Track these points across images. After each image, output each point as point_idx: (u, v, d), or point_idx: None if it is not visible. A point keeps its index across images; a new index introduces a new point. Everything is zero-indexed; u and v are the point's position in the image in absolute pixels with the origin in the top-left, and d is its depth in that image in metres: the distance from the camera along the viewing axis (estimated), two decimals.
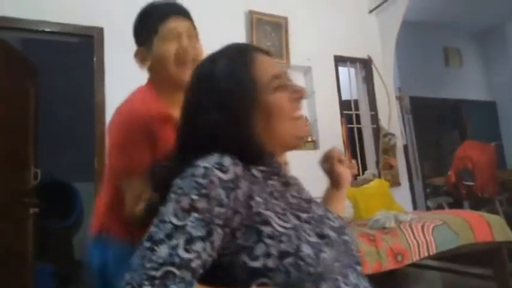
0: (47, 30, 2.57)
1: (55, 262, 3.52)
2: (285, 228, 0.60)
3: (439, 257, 2.26)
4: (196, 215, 0.56)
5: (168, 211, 0.57)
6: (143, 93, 1.10)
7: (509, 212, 3.55)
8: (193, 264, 0.53)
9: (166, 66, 1.07)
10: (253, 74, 0.71)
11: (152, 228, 0.57)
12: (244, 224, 0.59)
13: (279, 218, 0.61)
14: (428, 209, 3.98)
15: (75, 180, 3.88)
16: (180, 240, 0.54)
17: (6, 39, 2.63)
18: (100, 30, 2.67)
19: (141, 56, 1.15)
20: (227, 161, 0.62)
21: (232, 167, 0.62)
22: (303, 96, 0.76)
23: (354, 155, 3.60)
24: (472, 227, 2.25)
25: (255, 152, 0.69)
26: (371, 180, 3.20)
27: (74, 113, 3.73)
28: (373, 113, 3.77)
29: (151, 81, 1.14)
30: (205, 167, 0.60)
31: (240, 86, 0.70)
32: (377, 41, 3.89)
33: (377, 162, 3.64)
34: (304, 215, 0.65)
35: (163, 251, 0.53)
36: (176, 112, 1.02)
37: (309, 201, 0.73)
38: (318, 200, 0.81)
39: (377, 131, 3.70)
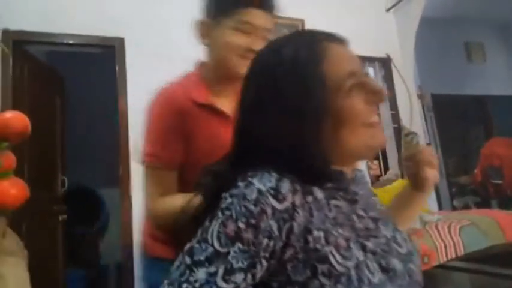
0: (70, 42, 2.66)
1: (83, 267, 3.62)
2: (346, 267, 0.52)
3: (468, 258, 2.20)
4: (240, 245, 0.51)
5: (213, 232, 0.53)
6: (188, 79, 1.03)
7: None
8: None
9: (229, 56, 0.96)
10: (324, 71, 0.59)
11: (195, 244, 0.54)
12: (297, 257, 0.53)
13: (340, 254, 0.53)
14: (454, 208, 3.88)
15: (101, 186, 3.98)
16: (220, 269, 0.51)
17: (33, 52, 2.74)
18: (121, 41, 2.74)
19: (204, 30, 1.03)
20: (285, 187, 0.55)
21: (290, 195, 0.54)
22: (382, 99, 0.64)
23: (375, 156, 3.55)
24: (502, 227, 2.18)
25: (321, 169, 0.59)
26: (394, 181, 3.15)
27: (99, 121, 3.84)
28: (393, 112, 3.71)
29: (203, 66, 1.06)
30: (259, 191, 0.54)
31: (308, 85, 0.59)
32: (395, 39, 3.84)
33: (399, 162, 3.58)
34: (370, 244, 0.57)
35: (201, 275, 0.51)
36: (226, 105, 0.97)
37: (377, 220, 0.64)
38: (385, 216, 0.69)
39: (398, 130, 3.64)
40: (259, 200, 0.53)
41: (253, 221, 0.52)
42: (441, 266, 2.22)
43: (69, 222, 3.45)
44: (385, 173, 3.32)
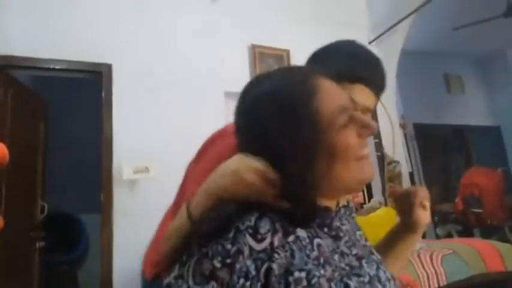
0: (57, 67, 2.67)
1: None
2: None
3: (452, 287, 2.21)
4: (214, 284, 0.50)
5: (189, 269, 0.53)
6: None
7: None
8: None
9: None
10: (316, 108, 0.58)
11: (172, 279, 0.54)
12: None
13: None
14: (437, 237, 3.91)
15: (82, 212, 3.90)
16: None
17: (18, 77, 2.73)
18: (109, 67, 2.76)
19: None
20: (264, 226, 0.53)
21: (269, 235, 0.52)
22: (373, 132, 0.63)
23: None
24: (482, 256, 2.21)
25: (309, 210, 0.58)
26: (377, 208, 3.17)
27: (82, 146, 3.80)
28: (377, 140, 3.79)
29: None
30: (236, 229, 0.53)
31: (300, 124, 0.57)
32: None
33: (383, 190, 3.62)
34: (353, 283, 0.56)
35: None
36: None
37: (360, 257, 0.63)
38: (371, 254, 0.68)
39: (382, 158, 3.71)
40: (236, 239, 0.52)
41: (228, 261, 0.50)
42: None
43: (48, 249, 3.35)
44: (369, 201, 3.35)
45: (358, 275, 0.59)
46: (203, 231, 0.56)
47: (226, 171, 0.61)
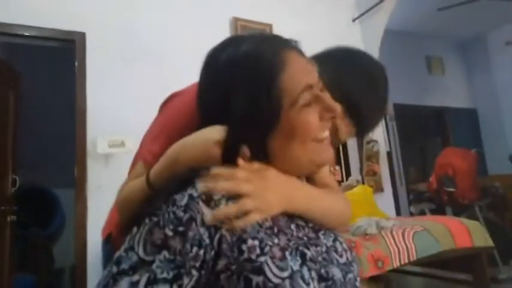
0: (26, 34, 2.53)
1: (36, 272, 3.44)
2: (280, 278, 0.50)
3: (421, 263, 2.28)
4: (166, 254, 0.48)
5: (139, 239, 0.50)
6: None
7: (489, 217, 3.61)
8: None
9: None
10: (283, 82, 0.56)
11: (122, 252, 0.51)
12: (230, 269, 0.50)
13: (275, 264, 0.50)
14: (411, 215, 4.02)
15: (57, 186, 3.81)
16: (143, 278, 0.47)
17: None
18: (82, 35, 2.64)
19: None
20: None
21: (223, 202, 0.51)
22: (336, 116, 0.62)
23: (337, 162, 3.62)
24: (452, 233, 2.27)
25: None
26: (354, 187, 3.22)
27: (56, 119, 3.68)
28: None
29: None
30: (190, 196, 0.51)
31: (264, 95, 0.56)
32: (361, 49, 3.95)
33: (361, 169, 3.68)
34: (309, 252, 0.56)
35: (123, 284, 0.48)
36: None
37: (317, 230, 0.63)
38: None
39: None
40: (189, 206, 0.50)
41: (181, 228, 0.49)
42: (395, 270, 2.28)
43: (22, 224, 3.28)
44: (347, 179, 3.39)
45: (316, 245, 0.59)
46: (157, 198, 0.55)
47: (194, 143, 0.60)
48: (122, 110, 2.64)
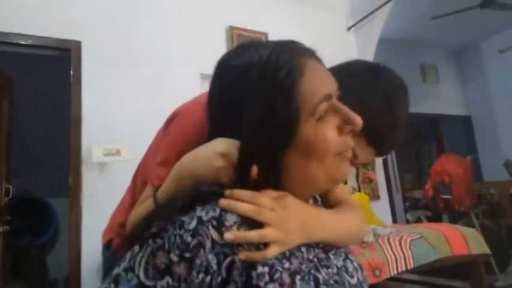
0: (21, 42, 2.53)
1: (28, 283, 3.39)
2: None
3: (418, 270, 2.27)
4: (170, 280, 0.45)
5: (141, 261, 0.47)
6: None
7: (485, 224, 3.61)
8: None
9: None
10: (301, 91, 0.51)
11: (121, 271, 0.48)
12: None
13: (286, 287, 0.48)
14: (407, 222, 4.02)
15: (52, 196, 3.78)
16: None
17: None
18: (77, 44, 2.64)
19: None
20: (231, 218, 0.48)
21: (234, 229, 0.48)
22: (357, 129, 0.55)
23: None
24: (449, 240, 2.27)
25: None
26: (351, 194, 3.22)
27: (50, 127, 3.65)
28: None
29: None
30: (199, 220, 0.47)
31: (279, 105, 0.50)
32: (355, 57, 3.96)
33: (357, 176, 3.68)
34: (321, 275, 0.53)
35: None
36: None
37: (327, 250, 0.60)
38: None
39: None
40: (197, 231, 0.47)
41: (187, 255, 0.46)
42: (392, 278, 2.27)
43: (16, 234, 3.23)
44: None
45: (327, 267, 0.56)
46: (161, 215, 0.51)
47: (199, 155, 0.58)
48: (117, 119, 2.63)
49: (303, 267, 0.52)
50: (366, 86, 0.74)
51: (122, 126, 2.62)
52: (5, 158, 2.71)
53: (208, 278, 0.45)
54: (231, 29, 3.26)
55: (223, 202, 0.49)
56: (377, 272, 1.96)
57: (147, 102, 2.75)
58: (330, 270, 0.56)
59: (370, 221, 2.71)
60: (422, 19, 4.59)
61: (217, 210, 0.48)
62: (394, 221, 3.82)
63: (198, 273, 0.45)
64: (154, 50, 2.90)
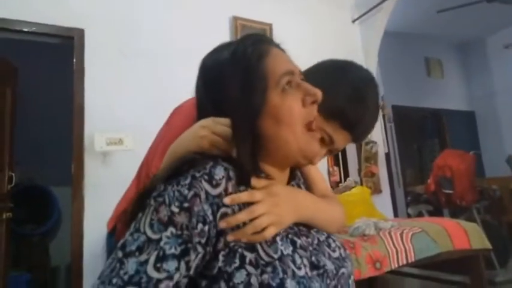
0: (25, 30, 2.51)
1: (31, 270, 3.41)
2: (271, 257, 0.54)
3: (419, 264, 2.28)
4: (173, 230, 0.49)
5: (145, 220, 0.51)
6: None
7: (486, 220, 3.61)
8: (162, 285, 0.47)
9: None
10: (266, 65, 0.61)
11: (128, 236, 0.51)
12: (228, 245, 0.53)
13: (266, 245, 0.55)
14: (409, 216, 4.02)
15: (54, 184, 3.79)
16: (151, 257, 0.48)
17: None
18: (81, 32, 2.62)
19: None
20: (219, 173, 0.55)
21: (223, 182, 0.55)
22: (318, 100, 0.64)
23: (336, 163, 3.61)
24: (450, 235, 2.27)
25: (251, 170, 0.59)
26: (353, 188, 3.22)
27: (53, 115, 3.65)
28: None
29: None
30: (193, 176, 0.54)
31: (251, 78, 0.60)
32: (360, 50, 3.95)
33: (359, 170, 3.67)
34: (300, 241, 0.60)
35: (131, 266, 0.48)
36: None
37: (310, 227, 0.67)
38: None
39: None
40: (192, 184, 0.53)
41: (186, 204, 0.51)
42: (393, 272, 2.28)
43: (19, 221, 3.25)
44: (345, 180, 3.39)
45: (307, 236, 0.63)
46: (160, 177, 0.56)
47: (184, 135, 0.66)
48: (120, 108, 2.63)
49: (282, 231, 0.59)
50: (335, 79, 0.81)
51: (125, 115, 2.62)
52: (8, 146, 2.71)
53: (206, 228, 0.51)
54: (235, 20, 3.24)
55: (227, 201, 0.55)
56: (378, 265, 1.97)
57: (149, 91, 2.74)
58: (309, 239, 0.63)
59: (371, 215, 2.70)
60: (428, 12, 4.55)
61: (207, 167, 0.55)
62: (396, 215, 3.82)
63: (197, 222, 0.51)
64: (157, 40, 2.88)
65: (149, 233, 0.50)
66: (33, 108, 3.68)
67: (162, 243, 0.49)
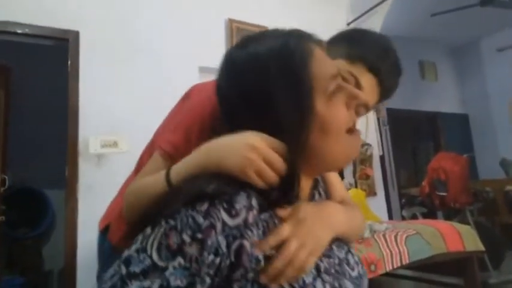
0: (19, 32, 2.50)
1: (24, 273, 3.38)
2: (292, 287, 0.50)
3: (413, 266, 2.28)
4: (182, 261, 0.46)
5: (153, 242, 0.48)
6: None
7: (479, 222, 3.64)
8: None
9: None
10: (313, 71, 0.55)
11: (133, 252, 0.48)
12: (246, 277, 0.48)
13: None
14: (403, 218, 4.03)
15: (47, 187, 3.76)
16: (154, 285, 0.45)
17: None
18: (75, 34, 2.61)
19: None
20: (241, 201, 0.50)
21: (244, 211, 0.49)
22: (363, 102, 0.62)
23: None
24: (444, 237, 2.28)
25: (293, 187, 0.55)
26: (348, 190, 3.23)
27: (47, 117, 3.63)
28: None
29: None
30: (210, 203, 0.49)
31: (298, 86, 0.53)
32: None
33: (353, 172, 3.68)
34: (323, 264, 0.56)
35: None
36: None
37: (331, 242, 0.61)
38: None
39: None
40: (209, 213, 0.48)
41: (199, 236, 0.47)
42: (387, 274, 2.28)
43: (12, 224, 3.22)
44: None
45: (329, 257, 0.58)
46: (177, 199, 0.51)
47: (228, 144, 0.56)
48: (115, 110, 2.62)
49: None
50: (359, 41, 0.89)
51: (120, 117, 2.61)
52: (1, 148, 2.69)
53: (218, 260, 0.46)
54: (231, 22, 3.24)
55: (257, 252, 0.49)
56: (372, 267, 1.97)
57: (145, 93, 2.73)
58: (331, 260, 0.58)
59: (366, 217, 2.71)
60: (422, 16, 4.58)
61: (229, 190, 0.50)
62: (390, 217, 3.84)
63: (208, 255, 0.46)
64: (152, 42, 2.88)
65: (155, 258, 0.47)
66: (27, 110, 3.66)
67: (167, 273, 0.46)
